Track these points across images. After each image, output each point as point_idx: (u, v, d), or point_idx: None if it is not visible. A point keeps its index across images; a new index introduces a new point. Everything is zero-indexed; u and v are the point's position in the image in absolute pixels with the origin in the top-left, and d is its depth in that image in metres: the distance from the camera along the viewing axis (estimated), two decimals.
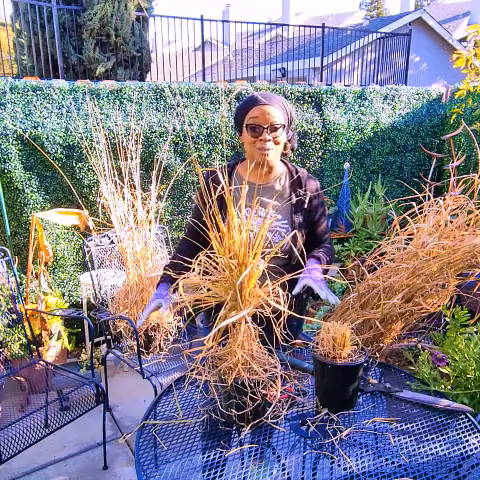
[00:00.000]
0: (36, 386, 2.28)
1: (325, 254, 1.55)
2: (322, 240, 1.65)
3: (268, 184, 1.59)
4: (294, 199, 1.58)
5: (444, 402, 1.28)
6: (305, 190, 1.59)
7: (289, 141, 1.59)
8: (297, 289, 1.37)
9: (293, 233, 1.52)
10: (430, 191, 1.66)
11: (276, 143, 1.50)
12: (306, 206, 1.59)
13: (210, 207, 1.18)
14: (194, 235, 1.50)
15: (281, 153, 1.57)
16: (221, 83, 3.56)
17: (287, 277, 1.21)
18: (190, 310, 1.24)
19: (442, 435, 1.17)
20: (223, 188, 1.15)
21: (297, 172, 1.63)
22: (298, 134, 3.72)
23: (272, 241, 1.53)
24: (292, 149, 1.64)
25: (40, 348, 2.64)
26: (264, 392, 1.14)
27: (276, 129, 1.48)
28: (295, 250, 1.44)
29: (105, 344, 2.57)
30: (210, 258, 1.15)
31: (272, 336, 1.18)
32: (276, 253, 1.24)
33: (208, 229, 1.13)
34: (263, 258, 1.14)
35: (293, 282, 1.37)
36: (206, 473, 1.06)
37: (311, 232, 1.62)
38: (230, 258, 1.09)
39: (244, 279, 1.09)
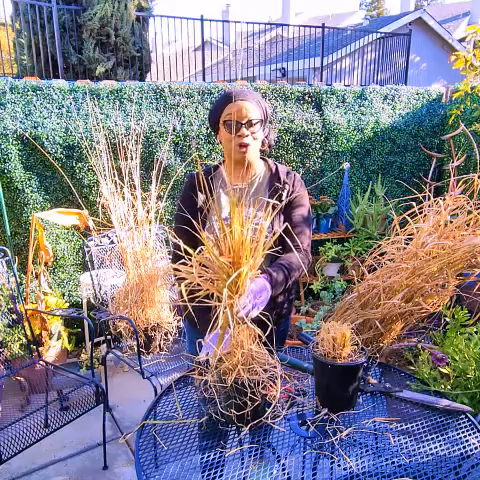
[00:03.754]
0: (36, 386, 2.28)
1: (284, 268, 1.40)
2: (294, 243, 1.43)
3: (249, 182, 1.56)
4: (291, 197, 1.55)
5: (444, 402, 1.28)
6: (283, 186, 1.55)
7: (266, 137, 1.57)
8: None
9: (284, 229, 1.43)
10: (430, 191, 1.66)
11: (254, 139, 1.48)
12: (284, 200, 1.52)
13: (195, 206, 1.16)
14: (190, 237, 1.47)
15: (259, 150, 1.56)
16: (221, 83, 3.56)
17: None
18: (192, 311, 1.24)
19: (442, 435, 1.17)
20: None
21: (277, 168, 1.60)
22: (298, 134, 3.72)
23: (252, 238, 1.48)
24: (270, 146, 1.61)
25: (40, 348, 2.64)
26: (264, 392, 1.14)
27: (253, 124, 1.46)
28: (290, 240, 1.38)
29: (105, 344, 2.57)
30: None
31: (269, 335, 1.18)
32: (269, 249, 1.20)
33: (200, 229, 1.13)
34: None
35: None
36: (206, 473, 1.06)
37: (286, 231, 1.44)
38: (227, 257, 1.09)
39: (238, 280, 1.09)
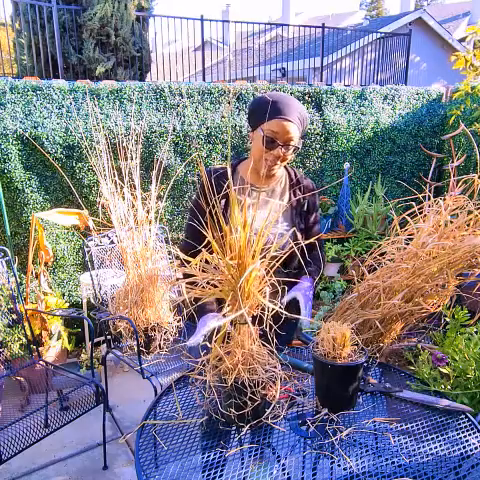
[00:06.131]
0: (36, 386, 2.28)
1: (317, 269, 1.64)
2: (314, 245, 1.61)
3: (269, 187, 1.60)
4: (294, 200, 1.59)
5: (444, 402, 1.28)
6: (303, 192, 1.62)
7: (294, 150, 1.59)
8: (286, 298, 1.45)
9: (293, 230, 1.55)
10: (430, 191, 1.66)
11: (284, 160, 1.51)
12: (304, 207, 1.63)
13: (214, 206, 1.16)
14: (201, 238, 1.46)
15: None
16: (221, 83, 3.56)
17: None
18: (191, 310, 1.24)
19: (442, 435, 1.17)
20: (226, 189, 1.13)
21: (295, 174, 1.66)
22: None
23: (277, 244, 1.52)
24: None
25: (40, 348, 2.64)
26: (264, 392, 1.14)
27: (289, 149, 1.49)
28: (298, 250, 1.42)
29: (105, 344, 2.57)
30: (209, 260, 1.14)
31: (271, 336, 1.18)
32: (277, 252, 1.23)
33: (212, 229, 1.12)
34: (264, 256, 1.13)
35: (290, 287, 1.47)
36: (206, 473, 1.06)
37: (305, 235, 1.64)
38: (231, 259, 1.09)
39: (244, 280, 1.08)
